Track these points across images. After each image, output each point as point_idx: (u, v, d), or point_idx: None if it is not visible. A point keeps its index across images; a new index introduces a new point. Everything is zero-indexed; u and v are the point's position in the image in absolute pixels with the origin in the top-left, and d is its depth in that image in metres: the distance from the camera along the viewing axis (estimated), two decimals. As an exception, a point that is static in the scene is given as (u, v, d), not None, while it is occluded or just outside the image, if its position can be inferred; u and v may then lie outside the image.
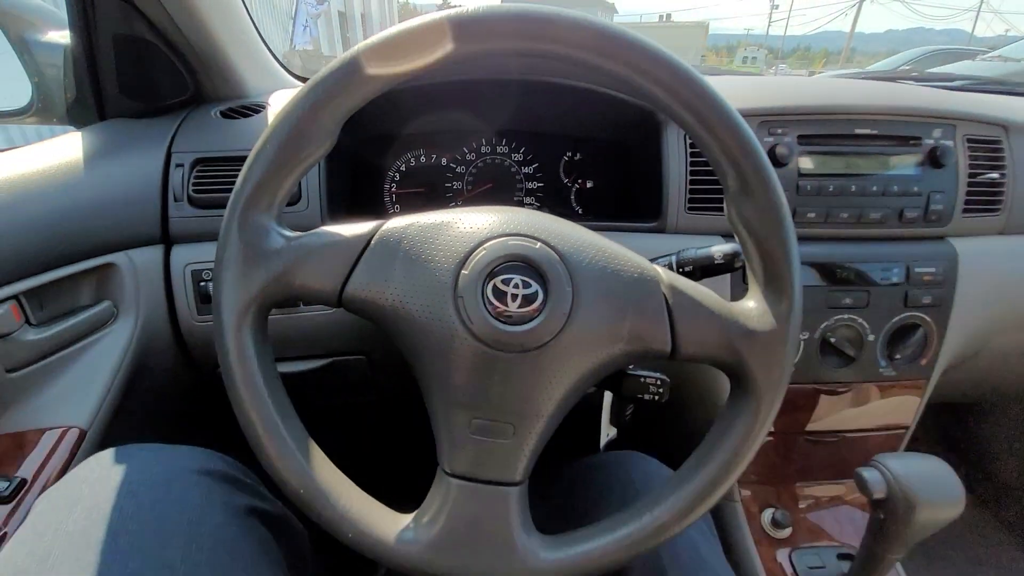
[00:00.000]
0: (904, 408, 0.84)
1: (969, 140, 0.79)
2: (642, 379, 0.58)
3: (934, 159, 0.77)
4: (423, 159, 0.90)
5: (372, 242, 0.42)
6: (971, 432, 1.47)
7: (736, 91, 0.79)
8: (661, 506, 0.43)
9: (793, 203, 0.76)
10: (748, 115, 0.76)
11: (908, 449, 1.04)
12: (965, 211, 0.80)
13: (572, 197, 0.92)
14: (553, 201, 0.92)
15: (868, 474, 0.56)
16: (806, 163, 0.77)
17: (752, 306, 0.46)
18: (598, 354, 0.42)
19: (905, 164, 0.78)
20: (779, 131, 0.76)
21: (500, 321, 0.39)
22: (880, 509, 0.54)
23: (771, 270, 0.45)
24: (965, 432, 1.48)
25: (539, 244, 0.41)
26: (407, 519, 0.42)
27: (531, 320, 0.39)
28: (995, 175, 0.80)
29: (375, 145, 0.88)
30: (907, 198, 0.78)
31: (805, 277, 0.77)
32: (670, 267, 0.61)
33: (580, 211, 0.92)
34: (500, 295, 0.39)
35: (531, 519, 0.43)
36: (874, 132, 0.77)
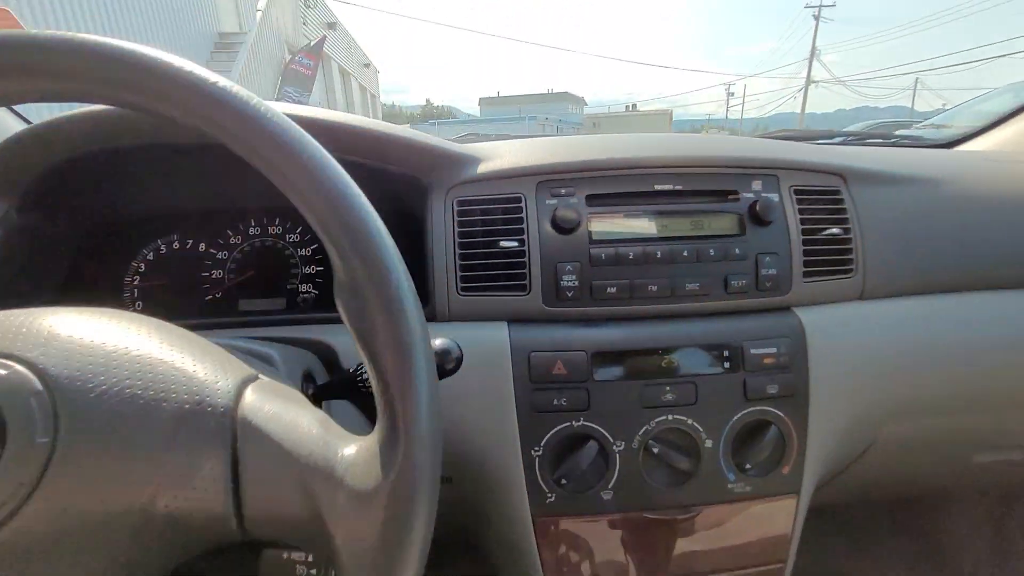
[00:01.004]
0: (772, 536, 0.64)
1: (797, 192, 0.66)
2: (290, 562, 0.39)
3: (756, 216, 0.64)
4: (176, 245, 0.75)
5: None
6: (932, 524, 1.24)
7: (509, 150, 0.67)
8: None
9: (588, 276, 0.61)
10: (522, 175, 0.63)
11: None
12: (808, 274, 0.65)
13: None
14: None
15: None
16: (599, 227, 0.63)
17: (354, 451, 0.30)
18: (103, 555, 0.26)
19: (722, 224, 0.64)
20: (562, 192, 0.63)
21: None
22: None
23: (385, 396, 0.30)
24: (925, 523, 1.25)
25: (11, 366, 0.25)
26: None
27: None
28: (836, 230, 0.66)
29: (110, 234, 0.73)
30: (730, 263, 0.63)
31: (609, 370, 0.60)
32: (348, 384, 0.45)
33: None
34: None
35: None
36: (678, 188, 0.64)
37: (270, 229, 0.76)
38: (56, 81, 0.28)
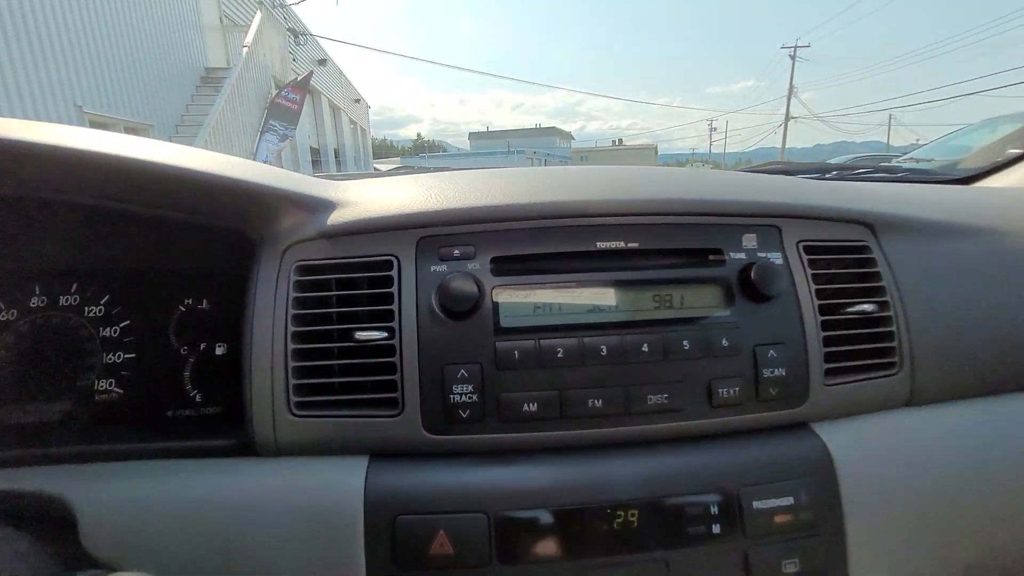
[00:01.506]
0: None
1: (809, 250, 0.45)
2: None
3: (751, 286, 0.42)
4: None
5: None
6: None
7: (386, 190, 0.45)
8: None
9: (494, 386, 0.39)
10: (394, 227, 0.41)
11: None
12: (832, 373, 0.43)
13: (188, 375, 0.53)
14: (150, 383, 0.52)
15: None
16: (512, 309, 0.41)
17: None
18: None
19: (701, 299, 0.43)
20: (455, 253, 0.41)
21: None
22: None
23: None
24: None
25: None
26: None
27: None
28: (869, 306, 0.45)
29: None
30: (715, 361, 0.41)
31: (526, 546, 0.37)
32: None
33: (198, 397, 0.53)
34: None
35: None
36: (633, 246, 0.43)
37: (62, 299, 0.53)
38: None
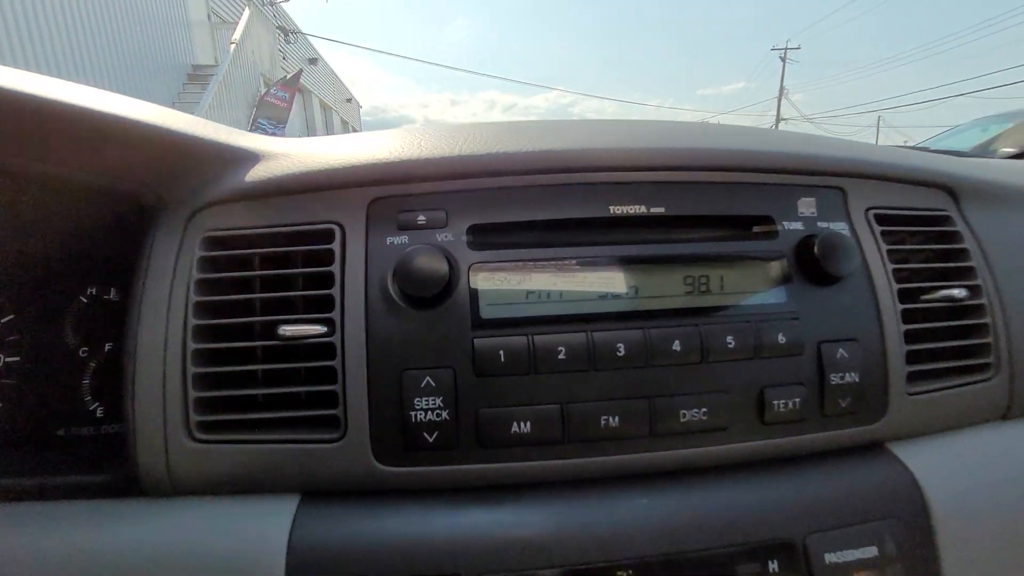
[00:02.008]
0: None
1: (881, 218, 0.35)
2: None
3: (811, 266, 0.32)
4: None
5: None
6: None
7: (331, 143, 0.34)
8: None
9: (472, 399, 0.28)
10: (339, 185, 0.31)
11: None
12: (915, 378, 0.33)
13: (86, 383, 0.42)
14: (38, 394, 0.41)
15: None
16: (495, 294, 0.30)
17: None
18: None
19: (747, 281, 0.32)
20: (419, 219, 0.30)
21: None
22: None
23: None
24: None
25: None
26: None
27: None
28: (957, 291, 0.35)
29: None
30: (766, 364, 0.31)
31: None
32: None
33: (100, 411, 0.42)
34: None
35: None
36: (656, 211, 0.32)
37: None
38: None
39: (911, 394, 0.33)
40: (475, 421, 0.28)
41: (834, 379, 0.31)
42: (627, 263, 0.31)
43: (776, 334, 0.31)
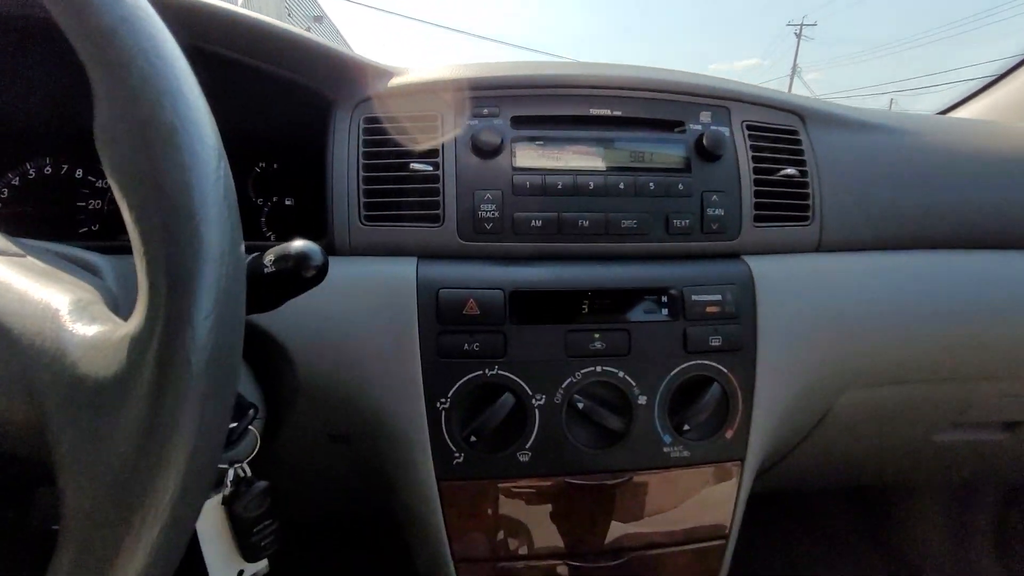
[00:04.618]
0: (712, 509, 0.57)
1: (751, 128, 0.60)
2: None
3: (704, 150, 0.57)
4: (48, 170, 0.65)
5: None
6: (895, 522, 1.19)
7: (431, 66, 0.59)
8: None
9: (510, 207, 0.54)
10: (439, 90, 0.55)
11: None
12: (759, 219, 0.59)
13: (263, 220, 0.68)
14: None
15: None
16: (525, 154, 0.55)
17: (98, 330, 0.24)
18: None
19: (666, 158, 0.57)
20: (484, 111, 0.55)
21: None
22: None
23: (148, 254, 0.23)
24: (888, 521, 1.20)
25: None
26: None
27: None
28: (792, 171, 0.60)
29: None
30: (673, 200, 0.56)
31: (529, 312, 0.52)
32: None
33: (272, 237, 0.67)
34: None
35: None
36: (617, 113, 0.57)
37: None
38: None
39: (757, 227, 0.58)
40: (512, 220, 0.54)
41: (709, 212, 0.56)
42: (599, 143, 0.56)
43: (678, 184, 0.56)
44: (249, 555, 0.45)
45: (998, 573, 1.04)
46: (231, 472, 0.46)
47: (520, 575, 0.55)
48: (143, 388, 0.22)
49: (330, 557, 1.03)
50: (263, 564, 0.47)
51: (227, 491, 0.45)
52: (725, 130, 0.58)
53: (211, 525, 0.43)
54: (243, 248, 0.26)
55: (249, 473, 0.47)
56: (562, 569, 0.55)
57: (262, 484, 0.47)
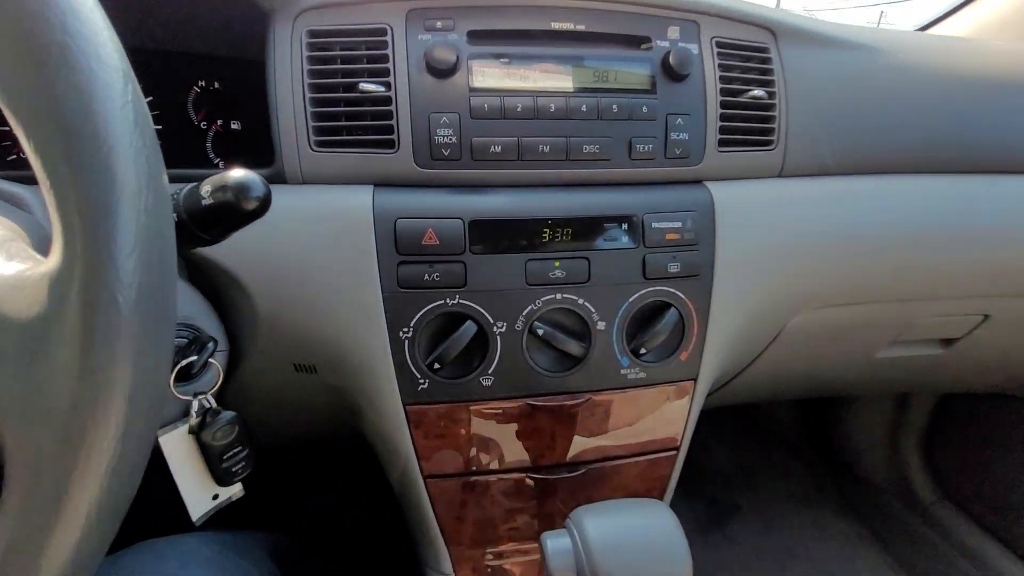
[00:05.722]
0: (665, 422, 0.61)
1: (720, 44, 0.57)
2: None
3: (670, 69, 0.54)
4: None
5: None
6: (837, 428, 1.30)
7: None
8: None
9: (468, 132, 0.51)
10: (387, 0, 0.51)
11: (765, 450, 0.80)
12: (723, 143, 0.57)
13: (209, 145, 0.64)
14: (181, 152, 0.63)
15: (552, 543, 0.41)
16: (482, 73, 0.52)
17: (17, 269, 0.24)
18: None
19: (631, 78, 0.55)
20: (438, 25, 0.51)
21: None
22: None
23: (42, 179, 0.22)
24: (831, 427, 1.31)
25: None
26: None
27: None
28: (760, 92, 0.58)
29: None
30: (636, 123, 0.54)
31: (489, 242, 0.52)
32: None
33: (221, 164, 0.64)
34: None
35: None
36: (580, 28, 0.53)
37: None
38: None
39: (720, 151, 0.57)
40: (470, 145, 0.52)
41: (673, 136, 0.55)
42: (560, 60, 0.53)
43: (642, 107, 0.54)
44: (222, 480, 0.47)
45: (923, 466, 1.17)
46: (195, 403, 0.46)
47: (486, 488, 0.59)
48: (71, 329, 0.21)
49: (307, 477, 1.09)
50: (237, 487, 0.49)
51: (194, 422, 0.46)
52: (693, 47, 0.56)
53: (180, 454, 0.45)
54: (165, 178, 0.24)
55: (214, 404, 0.48)
56: (525, 481, 0.59)
57: (229, 414, 0.48)
